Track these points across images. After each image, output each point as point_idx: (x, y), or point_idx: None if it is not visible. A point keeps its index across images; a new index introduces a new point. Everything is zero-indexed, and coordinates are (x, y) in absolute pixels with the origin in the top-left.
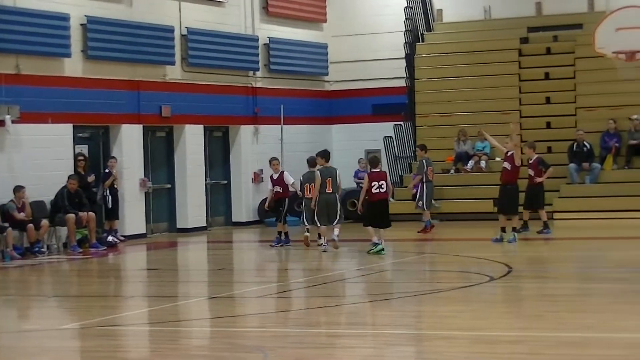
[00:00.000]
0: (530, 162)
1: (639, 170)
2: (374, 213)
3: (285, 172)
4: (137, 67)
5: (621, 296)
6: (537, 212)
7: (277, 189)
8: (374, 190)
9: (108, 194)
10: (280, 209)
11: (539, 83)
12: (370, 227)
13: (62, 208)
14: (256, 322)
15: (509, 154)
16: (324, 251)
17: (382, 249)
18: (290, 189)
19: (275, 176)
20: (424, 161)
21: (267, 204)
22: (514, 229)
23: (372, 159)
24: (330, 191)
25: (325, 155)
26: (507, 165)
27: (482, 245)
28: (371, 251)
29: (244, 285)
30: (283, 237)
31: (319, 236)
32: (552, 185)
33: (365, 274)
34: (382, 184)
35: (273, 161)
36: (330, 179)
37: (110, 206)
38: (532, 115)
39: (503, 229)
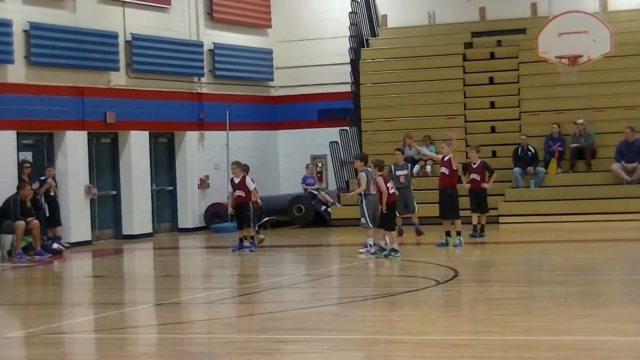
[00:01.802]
0: (475, 166)
1: (583, 174)
2: (390, 214)
3: (247, 176)
4: (81, 74)
5: (566, 299)
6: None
7: (239, 193)
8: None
9: (44, 201)
10: (248, 214)
11: (483, 88)
12: (392, 232)
13: (13, 215)
14: (203, 329)
15: (446, 158)
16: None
17: (393, 253)
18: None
19: (236, 180)
20: (364, 174)
21: (230, 208)
22: (458, 233)
23: (379, 162)
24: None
25: (364, 158)
26: (444, 170)
27: (428, 249)
28: (391, 256)
29: (191, 291)
30: (249, 242)
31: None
32: (497, 189)
33: (312, 279)
34: (391, 186)
35: (233, 165)
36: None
37: (47, 214)
38: (476, 119)
39: (448, 233)
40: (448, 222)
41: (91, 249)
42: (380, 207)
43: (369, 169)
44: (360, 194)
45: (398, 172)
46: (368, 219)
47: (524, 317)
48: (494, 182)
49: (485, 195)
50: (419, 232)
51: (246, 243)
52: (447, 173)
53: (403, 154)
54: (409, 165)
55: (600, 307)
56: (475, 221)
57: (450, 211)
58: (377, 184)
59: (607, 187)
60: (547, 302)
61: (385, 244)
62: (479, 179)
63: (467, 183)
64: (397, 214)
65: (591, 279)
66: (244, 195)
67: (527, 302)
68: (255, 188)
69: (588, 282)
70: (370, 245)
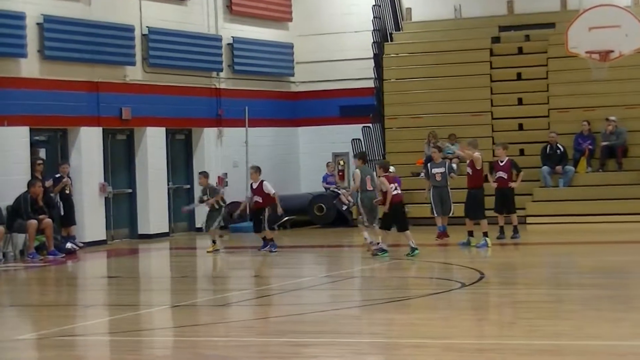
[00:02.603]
0: (502, 163)
1: (613, 173)
2: (393, 215)
3: (264, 181)
4: (96, 68)
5: (595, 302)
6: (508, 216)
7: (257, 198)
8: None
9: (59, 199)
10: (261, 218)
11: (510, 84)
12: (382, 230)
13: (25, 214)
14: (220, 331)
15: (469, 160)
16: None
17: (386, 252)
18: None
19: (254, 185)
20: (358, 171)
21: (239, 210)
22: (484, 234)
23: (385, 163)
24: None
25: (362, 156)
26: (469, 170)
27: (453, 250)
28: (379, 256)
29: (208, 293)
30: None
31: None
32: (525, 188)
33: (334, 280)
34: (396, 187)
35: (251, 170)
36: (369, 177)
37: (62, 213)
38: (504, 117)
39: (470, 233)
40: (471, 222)
41: (106, 249)
42: (377, 206)
43: (364, 166)
44: (357, 192)
45: (435, 170)
46: (365, 217)
47: (551, 320)
48: (522, 181)
49: (512, 194)
50: (443, 235)
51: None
52: (471, 173)
53: (440, 151)
54: (447, 163)
55: (630, 311)
56: (501, 222)
57: (475, 211)
58: (382, 183)
59: (638, 186)
60: (576, 305)
61: (370, 242)
62: (506, 177)
63: (494, 182)
64: (435, 215)
65: (621, 282)
66: (261, 201)
67: (554, 305)
68: (274, 192)
69: (618, 285)
70: (376, 243)
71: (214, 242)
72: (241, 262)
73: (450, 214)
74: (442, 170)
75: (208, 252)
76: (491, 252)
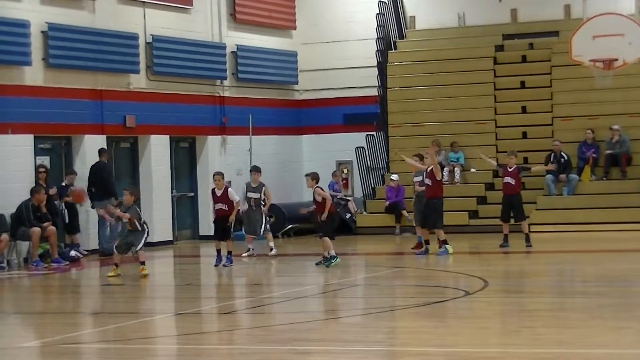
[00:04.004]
0: (510, 169)
1: (617, 181)
2: (332, 223)
3: (229, 188)
4: (100, 76)
5: (599, 311)
6: (516, 224)
7: (221, 206)
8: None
9: (64, 207)
10: (228, 226)
11: (514, 92)
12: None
13: (27, 221)
14: (224, 339)
15: (429, 169)
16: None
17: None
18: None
19: (218, 193)
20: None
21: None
22: (443, 242)
23: (315, 174)
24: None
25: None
26: (428, 181)
27: (457, 258)
28: (331, 264)
29: (212, 301)
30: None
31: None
32: (529, 197)
33: (337, 289)
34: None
35: (216, 176)
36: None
37: (67, 220)
38: (507, 125)
39: (427, 242)
40: (427, 231)
41: (109, 257)
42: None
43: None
44: None
45: (416, 179)
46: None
47: (555, 329)
48: (526, 189)
49: (520, 201)
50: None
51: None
52: (431, 184)
53: (422, 159)
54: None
55: (635, 319)
56: (506, 231)
57: (434, 221)
58: (317, 194)
59: None
60: (580, 314)
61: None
62: (513, 183)
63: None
64: (414, 224)
65: (626, 291)
66: (226, 209)
67: (558, 313)
68: (239, 200)
69: (623, 293)
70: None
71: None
72: (244, 270)
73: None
74: (420, 178)
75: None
76: (495, 260)
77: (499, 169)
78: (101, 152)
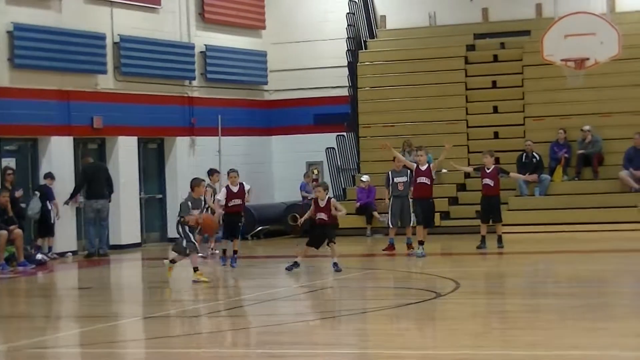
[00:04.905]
0: (489, 171)
1: (589, 181)
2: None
3: (243, 182)
4: (67, 76)
5: (571, 312)
6: (493, 225)
7: (237, 201)
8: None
9: (39, 210)
10: (240, 224)
11: (486, 92)
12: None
13: None
14: (194, 343)
15: (424, 167)
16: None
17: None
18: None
19: (235, 189)
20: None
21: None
22: (421, 243)
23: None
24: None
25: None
26: (426, 180)
27: (429, 260)
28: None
29: (181, 304)
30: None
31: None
32: (501, 197)
33: (308, 291)
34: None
35: (231, 173)
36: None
37: (52, 221)
38: (479, 125)
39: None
40: (425, 230)
41: (77, 260)
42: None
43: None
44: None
45: (397, 179)
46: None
47: (527, 331)
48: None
49: (499, 202)
50: (410, 247)
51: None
52: (429, 183)
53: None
54: (409, 172)
55: (607, 320)
56: (484, 232)
57: (430, 220)
58: (333, 206)
59: (614, 195)
60: (552, 315)
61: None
62: (492, 185)
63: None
64: (391, 225)
65: (598, 292)
66: (241, 204)
67: (531, 315)
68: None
69: (595, 294)
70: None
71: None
72: (214, 273)
73: (408, 226)
74: (404, 179)
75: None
76: (467, 261)
77: (477, 172)
78: (86, 154)
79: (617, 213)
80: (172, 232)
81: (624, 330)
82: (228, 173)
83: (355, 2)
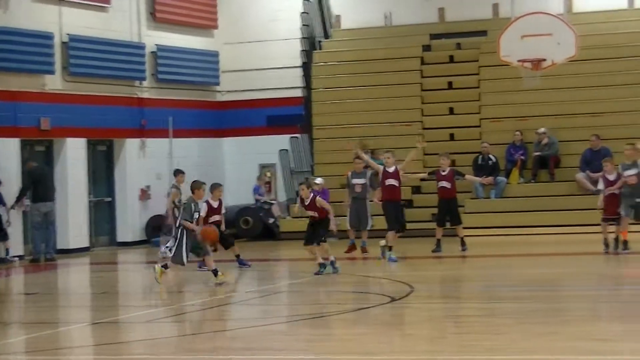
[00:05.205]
0: (445, 173)
1: (546, 184)
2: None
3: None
4: (14, 77)
5: (528, 316)
6: (452, 228)
7: (217, 217)
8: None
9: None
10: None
11: (442, 93)
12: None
13: None
14: (143, 349)
15: (392, 169)
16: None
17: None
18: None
19: (215, 204)
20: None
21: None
22: (390, 248)
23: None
24: None
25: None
26: (395, 182)
27: (383, 264)
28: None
29: (130, 309)
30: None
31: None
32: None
33: (261, 295)
34: None
35: (218, 187)
36: None
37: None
38: (435, 126)
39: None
40: (396, 235)
41: (23, 264)
42: None
43: None
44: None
45: (355, 181)
46: None
47: (483, 335)
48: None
49: (456, 205)
50: (363, 250)
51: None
52: (397, 185)
53: (362, 161)
54: (368, 173)
55: (564, 324)
56: (439, 235)
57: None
58: (319, 204)
59: (571, 197)
60: (508, 319)
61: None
62: (449, 187)
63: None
64: (349, 227)
65: (554, 295)
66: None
67: (487, 319)
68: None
69: (551, 298)
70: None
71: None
72: (165, 277)
73: (365, 229)
74: (362, 181)
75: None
76: (422, 265)
77: (433, 176)
78: (29, 159)
79: (573, 215)
80: (121, 235)
81: (579, 334)
82: (213, 187)
83: (310, 1)
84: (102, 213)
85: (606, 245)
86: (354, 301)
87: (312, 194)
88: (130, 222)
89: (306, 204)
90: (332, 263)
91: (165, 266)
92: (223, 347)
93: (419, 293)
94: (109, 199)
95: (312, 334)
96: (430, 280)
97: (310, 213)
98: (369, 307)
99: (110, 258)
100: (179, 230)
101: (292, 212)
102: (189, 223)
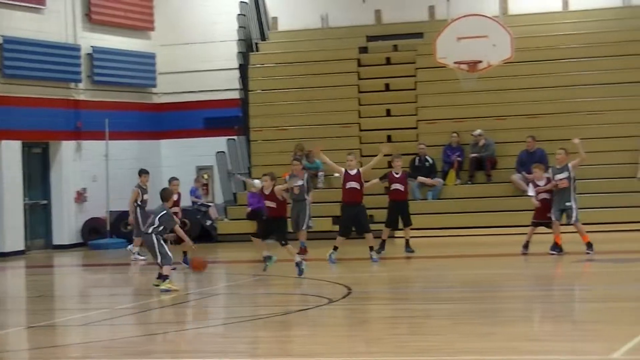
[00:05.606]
0: (398, 176)
1: (482, 185)
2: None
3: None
4: None
5: (464, 317)
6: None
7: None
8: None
9: None
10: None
11: (378, 95)
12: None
13: None
14: (80, 353)
15: (353, 172)
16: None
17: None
18: None
19: (175, 197)
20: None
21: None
22: (372, 248)
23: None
24: None
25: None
26: (356, 185)
27: (321, 265)
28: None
29: (66, 312)
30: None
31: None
32: None
33: (198, 298)
34: None
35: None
36: None
37: None
38: (372, 128)
39: (372, 248)
40: (370, 235)
41: None
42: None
43: None
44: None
45: (295, 184)
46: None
47: (420, 336)
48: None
49: (408, 207)
50: (303, 251)
51: None
52: (359, 187)
53: (301, 163)
54: (306, 175)
55: (500, 324)
56: (385, 236)
57: (368, 226)
58: (278, 194)
59: (507, 199)
60: (445, 320)
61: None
62: (402, 189)
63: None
64: (293, 230)
65: (491, 296)
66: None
67: (423, 320)
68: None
69: (487, 299)
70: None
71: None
72: (101, 280)
73: (307, 229)
74: (300, 183)
75: None
76: (359, 267)
77: (384, 180)
78: None
79: (509, 217)
80: (57, 238)
81: (514, 334)
82: (170, 181)
83: (247, 3)
84: (38, 216)
85: (525, 246)
86: (291, 303)
87: (273, 185)
88: (66, 224)
89: (266, 193)
90: (298, 265)
91: (165, 277)
92: (157, 350)
93: (356, 295)
94: (45, 202)
95: (249, 336)
96: (367, 282)
97: (269, 204)
98: (306, 309)
99: (46, 261)
100: (154, 237)
101: (229, 214)
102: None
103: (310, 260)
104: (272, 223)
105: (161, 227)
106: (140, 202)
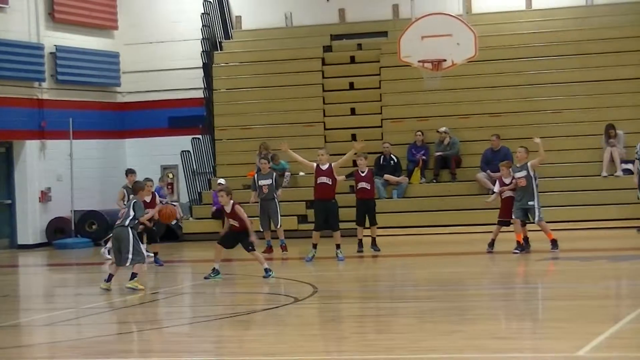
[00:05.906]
0: (364, 174)
1: (447, 183)
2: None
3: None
4: None
5: (430, 315)
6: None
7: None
8: None
9: None
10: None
11: (343, 93)
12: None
13: None
14: (45, 353)
15: (325, 167)
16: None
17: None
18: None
19: (148, 199)
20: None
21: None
22: (338, 247)
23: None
24: None
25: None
26: (328, 180)
27: (287, 264)
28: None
29: (31, 312)
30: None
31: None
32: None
33: (162, 297)
34: None
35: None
36: None
37: None
38: (336, 127)
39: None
40: (338, 234)
41: None
42: None
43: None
44: None
45: (261, 182)
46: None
47: (385, 335)
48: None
49: (375, 206)
50: (284, 248)
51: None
52: (330, 183)
53: (269, 162)
54: (274, 174)
55: (465, 323)
56: (360, 235)
57: (337, 222)
58: (239, 212)
59: (472, 197)
60: (411, 318)
61: None
62: (369, 188)
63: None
64: (261, 229)
65: (456, 294)
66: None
67: (389, 319)
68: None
69: (453, 297)
70: None
71: None
72: (66, 280)
73: (277, 228)
74: (269, 182)
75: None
76: (324, 266)
77: (352, 178)
78: None
79: (474, 215)
80: (21, 238)
81: (480, 332)
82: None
83: (210, 2)
84: (2, 215)
85: (490, 245)
86: (257, 302)
87: (231, 202)
88: (30, 224)
89: (227, 211)
90: (267, 270)
91: (134, 275)
92: (122, 349)
93: (322, 293)
94: (9, 202)
95: (214, 336)
96: (333, 281)
97: (232, 222)
98: (272, 308)
99: (10, 261)
100: (130, 231)
101: (194, 213)
102: (145, 215)
103: (275, 260)
104: (237, 235)
105: (136, 218)
106: (127, 202)
